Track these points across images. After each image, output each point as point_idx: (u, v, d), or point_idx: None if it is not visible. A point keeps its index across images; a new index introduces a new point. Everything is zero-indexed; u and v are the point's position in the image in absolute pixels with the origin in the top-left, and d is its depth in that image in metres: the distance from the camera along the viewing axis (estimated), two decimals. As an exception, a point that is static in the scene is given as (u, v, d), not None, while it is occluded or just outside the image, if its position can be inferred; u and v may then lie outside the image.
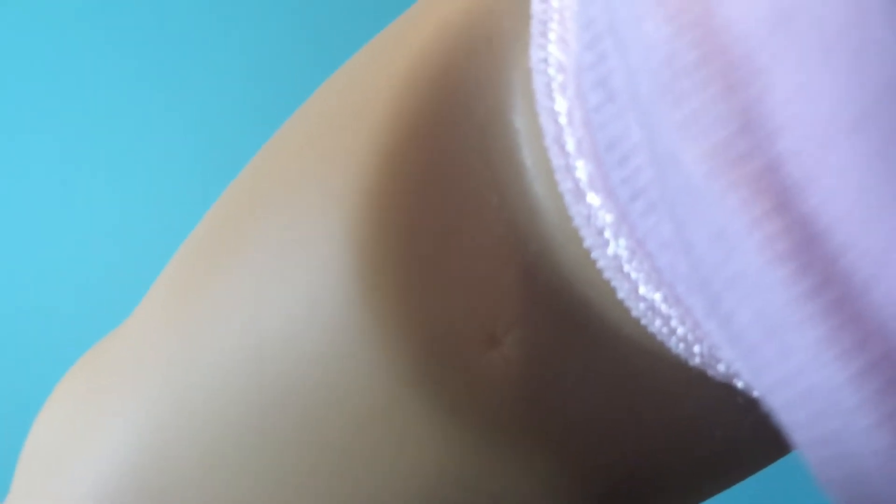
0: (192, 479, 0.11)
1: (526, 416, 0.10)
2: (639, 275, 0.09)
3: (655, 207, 0.08)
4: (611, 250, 0.09)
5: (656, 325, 0.09)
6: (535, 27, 0.09)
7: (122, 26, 0.52)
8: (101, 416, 0.12)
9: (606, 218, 0.09)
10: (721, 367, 0.10)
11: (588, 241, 0.09)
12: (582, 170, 0.09)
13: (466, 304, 0.10)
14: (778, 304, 0.07)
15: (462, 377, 0.10)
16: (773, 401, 0.07)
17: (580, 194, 0.09)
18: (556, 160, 0.09)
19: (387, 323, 0.10)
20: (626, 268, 0.09)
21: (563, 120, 0.09)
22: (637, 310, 0.09)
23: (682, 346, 0.10)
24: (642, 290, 0.09)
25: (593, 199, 0.09)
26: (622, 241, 0.09)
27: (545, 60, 0.09)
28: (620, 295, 0.09)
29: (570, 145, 0.09)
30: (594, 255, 0.09)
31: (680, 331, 0.09)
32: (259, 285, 0.10)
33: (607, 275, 0.09)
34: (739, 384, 0.10)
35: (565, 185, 0.09)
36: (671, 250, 0.08)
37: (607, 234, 0.09)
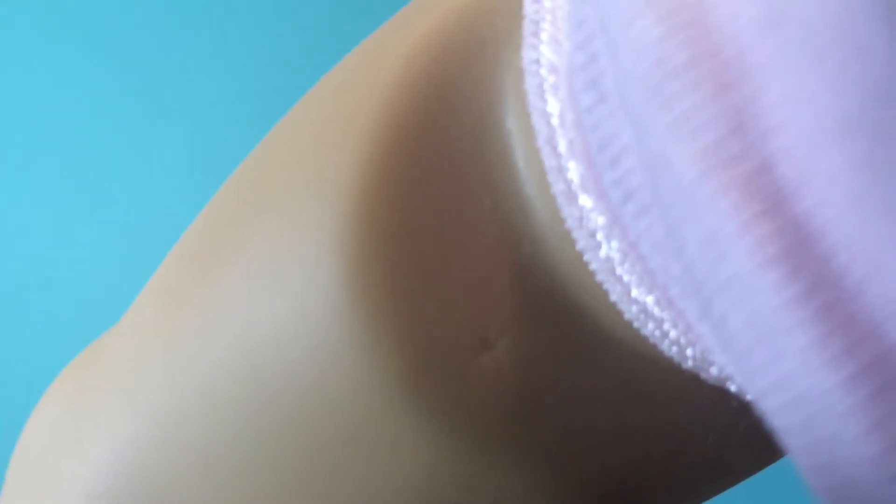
0: (187, 482, 0.11)
1: (519, 420, 0.10)
2: (631, 277, 0.09)
3: (648, 209, 0.08)
4: (603, 252, 0.09)
5: (649, 328, 0.09)
6: (527, 27, 0.09)
7: (121, 26, 0.52)
8: (94, 418, 0.12)
9: (598, 220, 0.09)
10: (714, 371, 0.09)
11: (580, 244, 0.09)
12: (574, 171, 0.09)
13: (458, 308, 0.10)
14: (769, 308, 0.07)
15: (454, 382, 0.10)
16: (764, 405, 0.07)
17: (572, 196, 0.09)
18: (548, 161, 0.09)
19: (378, 328, 0.09)
20: (619, 270, 0.09)
21: (555, 121, 0.09)
22: (630, 312, 0.09)
23: (674, 349, 0.09)
24: (635, 292, 0.09)
25: (585, 200, 0.09)
26: (614, 244, 0.09)
27: (537, 61, 0.09)
28: (613, 297, 0.09)
29: (562, 147, 0.09)
30: (586, 257, 0.09)
31: (672, 334, 0.09)
32: (250, 290, 0.10)
33: (600, 277, 0.09)
34: (732, 387, 0.10)
35: (557, 187, 0.09)
36: (664, 252, 0.08)
37: (599, 236, 0.09)
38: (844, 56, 0.06)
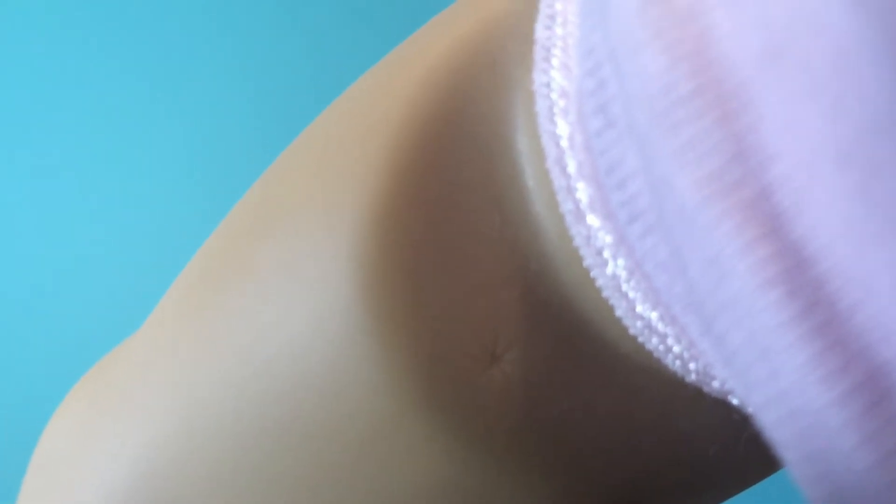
0: (202, 492, 0.11)
1: (528, 431, 0.10)
2: (636, 294, 0.09)
3: (653, 230, 0.08)
4: (609, 270, 0.09)
5: (653, 343, 0.10)
6: (538, 52, 0.10)
7: (122, 27, 0.52)
8: (109, 431, 0.12)
9: (606, 239, 0.09)
10: (716, 384, 0.10)
11: (587, 261, 0.10)
12: (582, 192, 0.09)
13: (467, 321, 0.10)
14: (767, 327, 0.07)
15: (463, 395, 0.10)
16: (763, 418, 0.08)
17: (580, 215, 0.09)
18: (558, 182, 0.09)
19: (390, 341, 0.10)
20: (625, 287, 0.09)
21: (564, 143, 0.09)
22: (635, 328, 0.10)
23: (678, 363, 0.10)
24: (639, 308, 0.09)
25: (593, 220, 0.09)
26: (621, 262, 0.09)
27: (548, 85, 0.09)
28: (618, 313, 0.10)
29: (572, 168, 0.09)
30: (593, 274, 0.10)
31: (676, 349, 0.09)
32: (266, 304, 0.10)
33: (606, 293, 0.10)
34: (734, 401, 0.10)
35: (566, 207, 0.09)
36: (668, 271, 0.09)
37: (606, 254, 0.09)
38: (841, 90, 0.07)
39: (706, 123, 0.07)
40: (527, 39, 0.10)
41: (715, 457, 0.11)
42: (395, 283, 0.10)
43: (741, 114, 0.07)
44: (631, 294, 0.09)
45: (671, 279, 0.09)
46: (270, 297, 0.10)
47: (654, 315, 0.09)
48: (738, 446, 0.11)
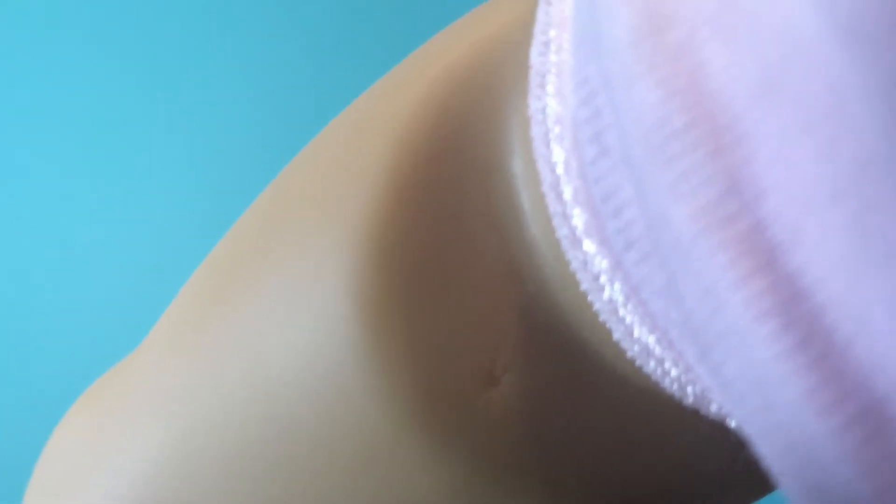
0: (206, 500, 0.11)
1: (524, 453, 0.10)
2: (633, 318, 0.09)
3: (648, 258, 0.08)
4: (606, 294, 0.09)
5: (651, 366, 0.10)
6: (533, 78, 0.10)
7: (123, 27, 0.52)
8: (112, 447, 0.12)
9: (602, 264, 0.09)
10: (714, 407, 0.10)
11: (584, 285, 0.10)
12: (578, 218, 0.09)
13: (465, 343, 0.10)
14: (763, 360, 0.07)
15: (461, 416, 0.10)
16: (759, 448, 0.08)
17: (576, 241, 0.09)
18: (553, 207, 0.10)
19: (389, 361, 0.10)
20: (622, 311, 0.09)
21: (559, 169, 0.09)
22: (632, 351, 0.10)
23: (675, 386, 0.10)
24: (637, 332, 0.09)
25: (589, 246, 0.09)
26: (617, 287, 0.09)
27: (543, 111, 0.09)
28: (616, 336, 0.10)
29: (567, 194, 0.09)
30: (590, 298, 0.10)
31: (674, 372, 0.10)
32: (265, 326, 0.10)
33: (603, 317, 0.10)
34: (732, 423, 0.10)
35: (562, 231, 0.10)
36: (663, 298, 0.09)
37: (603, 279, 0.09)
38: (834, 127, 0.07)
39: (700, 156, 0.07)
40: (522, 65, 0.10)
41: (712, 476, 0.11)
42: (392, 308, 0.10)
43: (735, 147, 0.07)
44: (628, 318, 0.09)
45: (667, 306, 0.09)
46: (272, 319, 0.10)
47: (651, 339, 0.09)
48: (735, 466, 0.11)
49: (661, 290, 0.09)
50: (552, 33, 0.09)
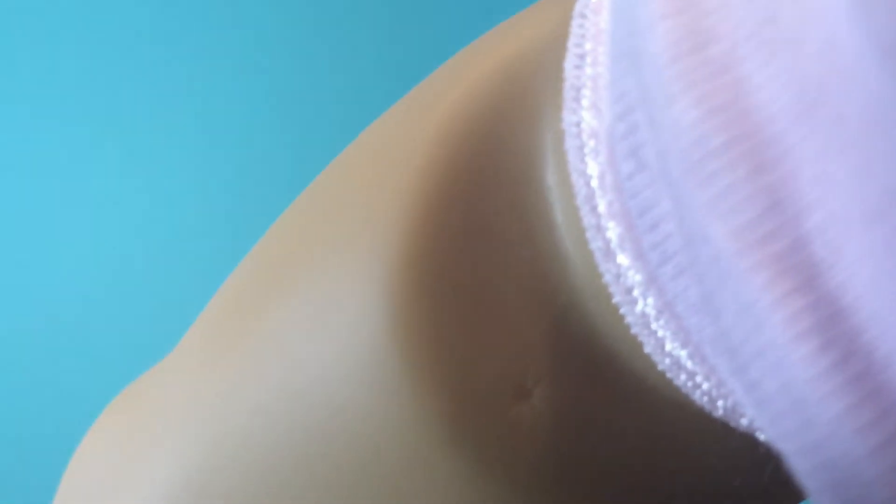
0: None
1: (554, 465, 0.10)
2: (666, 332, 0.09)
3: (684, 273, 0.08)
4: (639, 308, 0.09)
5: (681, 379, 0.10)
6: (567, 92, 0.10)
7: (125, 27, 0.52)
8: (142, 458, 0.12)
9: (635, 278, 0.09)
10: (744, 422, 0.10)
11: (617, 298, 0.10)
12: (612, 231, 0.09)
13: (496, 356, 0.10)
14: (802, 379, 0.07)
15: (493, 428, 0.10)
16: (795, 466, 0.08)
17: (610, 254, 0.09)
18: (587, 220, 0.10)
19: (420, 375, 0.10)
20: (654, 325, 0.09)
21: (594, 183, 0.09)
22: (663, 364, 0.10)
23: (705, 399, 0.10)
24: (669, 346, 0.09)
25: (622, 259, 0.09)
26: (650, 301, 0.09)
27: (577, 125, 0.09)
28: (647, 350, 0.10)
29: (602, 207, 0.09)
30: (622, 311, 0.10)
31: (705, 386, 0.10)
32: (298, 339, 0.11)
33: (635, 330, 0.10)
34: (761, 436, 0.10)
35: (595, 244, 0.10)
36: (699, 314, 0.09)
37: (636, 292, 0.09)
38: (873, 144, 0.07)
39: (740, 175, 0.07)
40: (556, 78, 0.10)
41: (739, 489, 0.11)
42: (423, 317, 0.10)
43: (776, 165, 0.07)
44: (660, 332, 0.09)
45: (702, 321, 0.09)
46: (304, 332, 0.11)
47: (683, 353, 0.09)
48: (762, 479, 0.11)
49: (696, 306, 0.09)
50: (588, 46, 0.10)
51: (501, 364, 0.10)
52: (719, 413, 0.10)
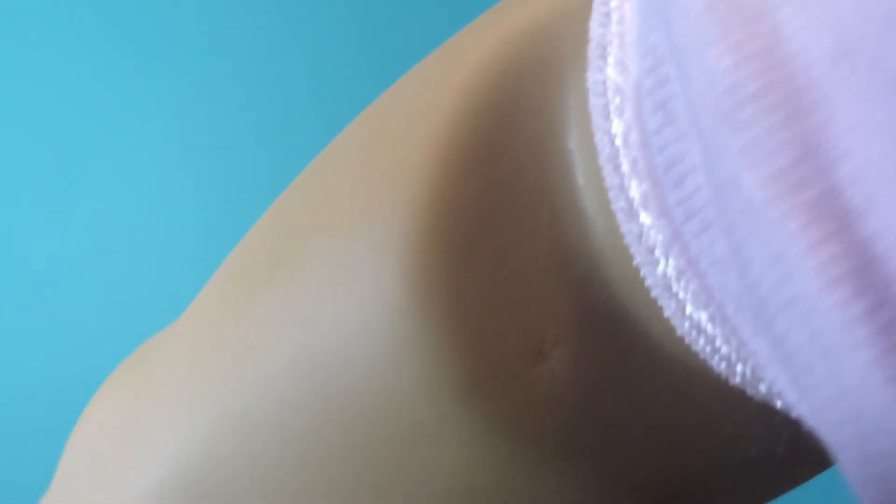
0: (248, 479, 0.11)
1: (570, 429, 0.10)
2: (686, 294, 0.09)
3: (710, 227, 0.08)
4: (660, 269, 0.09)
5: (700, 344, 0.10)
6: (593, 50, 0.10)
7: (126, 26, 0.52)
8: (153, 420, 0.12)
9: (658, 237, 0.09)
10: (762, 388, 0.10)
11: (637, 259, 0.10)
12: (636, 189, 0.09)
13: (515, 318, 0.10)
14: (832, 327, 0.07)
15: (510, 390, 0.10)
16: (819, 420, 0.08)
17: (633, 213, 0.09)
18: (610, 179, 0.09)
19: (439, 335, 0.10)
20: (675, 287, 0.09)
21: (618, 141, 0.09)
22: (682, 328, 0.10)
23: (724, 364, 0.10)
24: (689, 309, 0.09)
25: (645, 218, 0.09)
26: (671, 261, 0.09)
27: (603, 83, 0.09)
28: (667, 313, 0.10)
29: (625, 166, 0.09)
30: (643, 273, 0.10)
31: (724, 350, 0.09)
32: (315, 300, 0.10)
33: (655, 293, 0.10)
34: (778, 404, 0.10)
35: (617, 204, 0.09)
36: (723, 269, 0.09)
37: (658, 252, 0.09)
38: None
39: (774, 122, 0.07)
40: (579, 38, 0.10)
41: (755, 459, 0.11)
42: (442, 276, 0.10)
43: (811, 112, 0.07)
44: (681, 294, 0.09)
45: (726, 277, 0.09)
46: (321, 293, 0.10)
47: (703, 316, 0.09)
48: (778, 448, 0.11)
49: (721, 261, 0.09)
50: (613, 3, 0.09)
51: (520, 326, 0.10)
52: (737, 380, 0.10)
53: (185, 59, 0.51)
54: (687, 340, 0.10)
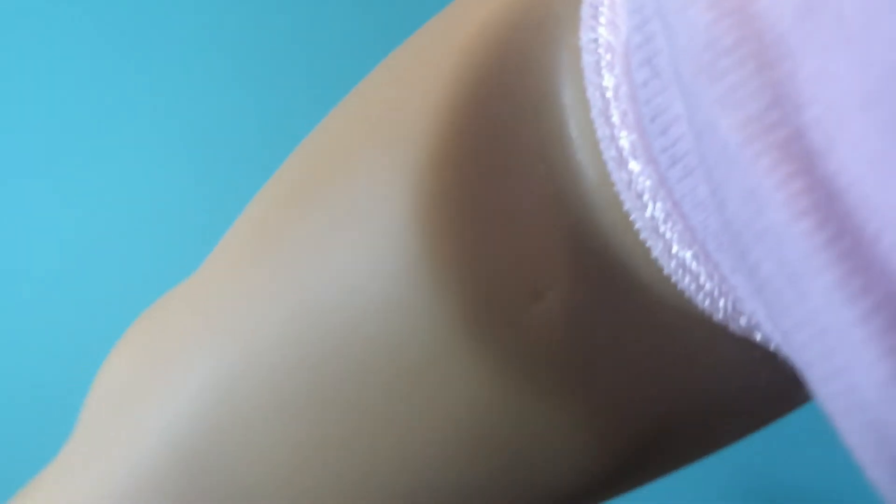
0: (259, 421, 0.12)
1: (565, 364, 0.11)
2: (672, 234, 0.10)
3: (693, 172, 0.09)
4: (648, 212, 0.10)
5: (685, 282, 0.11)
6: (585, 10, 0.10)
7: (123, 25, 0.53)
8: (172, 364, 0.13)
9: (646, 183, 0.10)
10: (742, 321, 0.11)
11: (627, 205, 0.10)
12: (625, 139, 0.10)
13: (514, 260, 0.11)
14: (799, 254, 0.08)
15: (509, 327, 0.11)
16: (790, 342, 0.09)
17: (622, 162, 0.10)
18: (601, 131, 0.10)
19: (444, 275, 0.11)
20: (662, 228, 0.10)
21: (609, 94, 0.10)
22: (669, 268, 0.11)
23: (707, 301, 0.11)
24: (675, 248, 0.10)
25: (634, 165, 0.10)
26: (659, 204, 0.10)
27: (595, 41, 0.10)
28: (655, 254, 0.11)
29: (616, 118, 0.10)
30: (633, 217, 0.10)
31: (707, 286, 0.10)
32: (328, 243, 0.11)
33: (643, 235, 0.10)
34: (758, 336, 0.11)
35: (608, 154, 0.10)
36: (704, 210, 0.09)
37: (646, 197, 0.10)
38: (870, 39, 0.07)
39: (747, 71, 0.08)
40: (573, 0, 0.11)
41: (736, 391, 0.12)
42: (448, 221, 0.11)
43: (779, 63, 0.08)
44: (668, 235, 0.10)
45: (707, 217, 0.09)
46: (333, 236, 0.11)
47: (688, 254, 0.10)
48: (759, 381, 0.12)
49: (702, 203, 0.09)
50: None
51: (517, 267, 0.11)
52: (720, 315, 0.11)
53: (184, 57, 0.52)
54: (674, 279, 0.11)
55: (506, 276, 0.11)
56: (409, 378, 0.11)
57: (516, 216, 0.11)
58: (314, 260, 0.11)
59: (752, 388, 0.12)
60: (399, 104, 0.11)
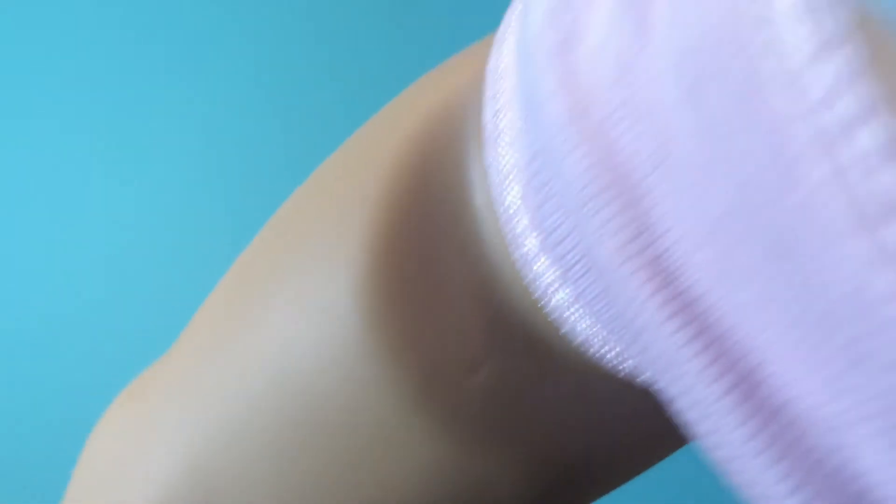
0: (236, 480, 0.14)
1: (498, 424, 0.13)
2: (577, 317, 0.12)
3: (586, 273, 0.11)
4: (554, 301, 0.12)
5: (591, 351, 0.13)
6: (487, 137, 0.12)
7: (136, 27, 0.52)
8: (154, 436, 0.15)
9: (549, 279, 0.12)
10: (643, 377, 0.13)
11: (537, 294, 0.13)
12: (529, 245, 0.12)
13: (452, 342, 0.13)
14: (671, 346, 0.10)
15: (452, 397, 0.13)
16: (676, 404, 0.11)
17: (529, 262, 0.12)
18: (510, 237, 0.12)
19: (391, 355, 0.13)
20: (567, 313, 0.12)
21: (512, 210, 0.12)
22: (577, 340, 0.13)
23: (611, 364, 0.13)
24: (580, 327, 0.12)
25: (538, 266, 0.12)
26: (562, 295, 0.12)
27: (497, 162, 0.12)
28: (563, 331, 0.13)
29: (519, 227, 0.12)
30: (542, 303, 0.13)
31: (609, 355, 0.13)
32: (287, 330, 0.13)
33: (554, 317, 0.13)
34: (657, 387, 0.13)
35: (518, 253, 0.12)
36: (601, 301, 0.12)
37: (551, 290, 0.12)
38: (708, 180, 0.10)
39: (616, 208, 0.10)
40: (478, 124, 0.13)
41: (641, 431, 0.14)
42: (391, 308, 0.13)
43: (640, 202, 0.10)
44: (572, 318, 0.12)
45: (604, 307, 0.12)
46: (290, 320, 0.13)
47: (592, 331, 0.12)
48: (659, 422, 0.14)
49: (598, 296, 0.12)
50: (502, 101, 0.12)
51: (455, 347, 0.13)
52: (623, 373, 0.13)
53: (193, 59, 0.51)
54: (583, 349, 0.13)
55: (446, 355, 0.13)
56: (365, 442, 0.13)
57: (446, 303, 0.13)
58: (274, 344, 0.13)
59: (654, 426, 0.14)
60: (346, 209, 0.13)
